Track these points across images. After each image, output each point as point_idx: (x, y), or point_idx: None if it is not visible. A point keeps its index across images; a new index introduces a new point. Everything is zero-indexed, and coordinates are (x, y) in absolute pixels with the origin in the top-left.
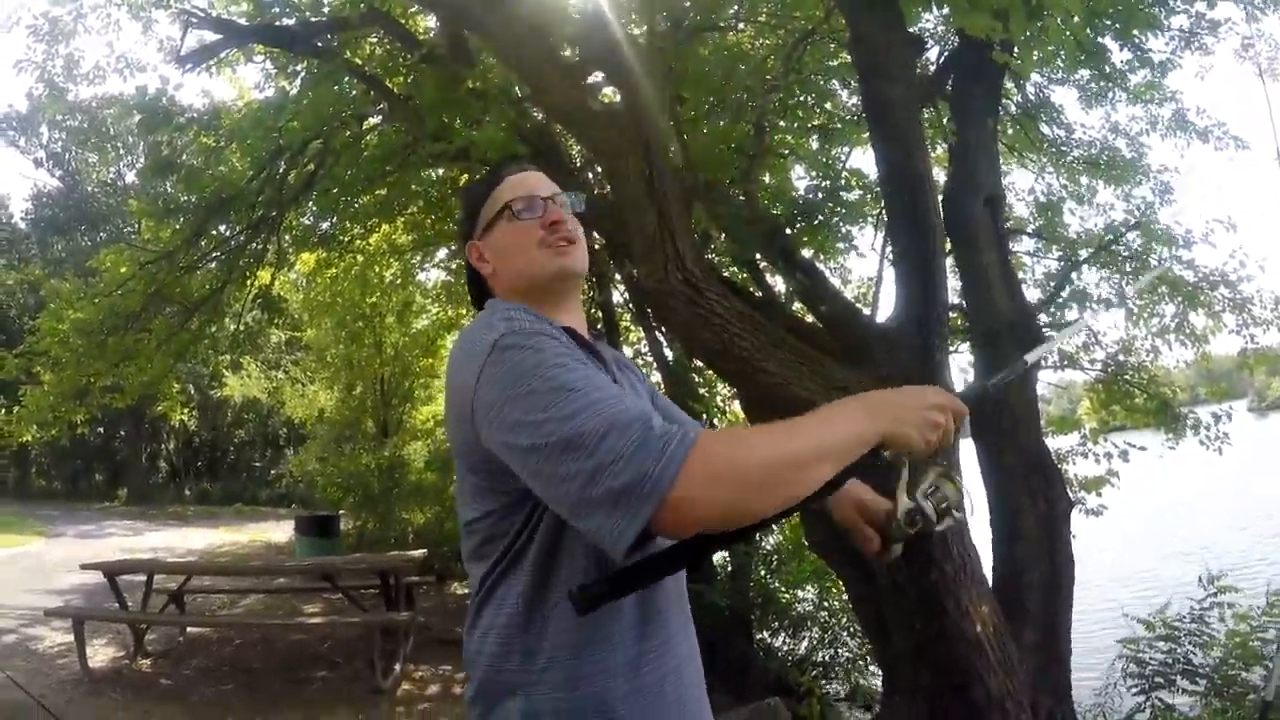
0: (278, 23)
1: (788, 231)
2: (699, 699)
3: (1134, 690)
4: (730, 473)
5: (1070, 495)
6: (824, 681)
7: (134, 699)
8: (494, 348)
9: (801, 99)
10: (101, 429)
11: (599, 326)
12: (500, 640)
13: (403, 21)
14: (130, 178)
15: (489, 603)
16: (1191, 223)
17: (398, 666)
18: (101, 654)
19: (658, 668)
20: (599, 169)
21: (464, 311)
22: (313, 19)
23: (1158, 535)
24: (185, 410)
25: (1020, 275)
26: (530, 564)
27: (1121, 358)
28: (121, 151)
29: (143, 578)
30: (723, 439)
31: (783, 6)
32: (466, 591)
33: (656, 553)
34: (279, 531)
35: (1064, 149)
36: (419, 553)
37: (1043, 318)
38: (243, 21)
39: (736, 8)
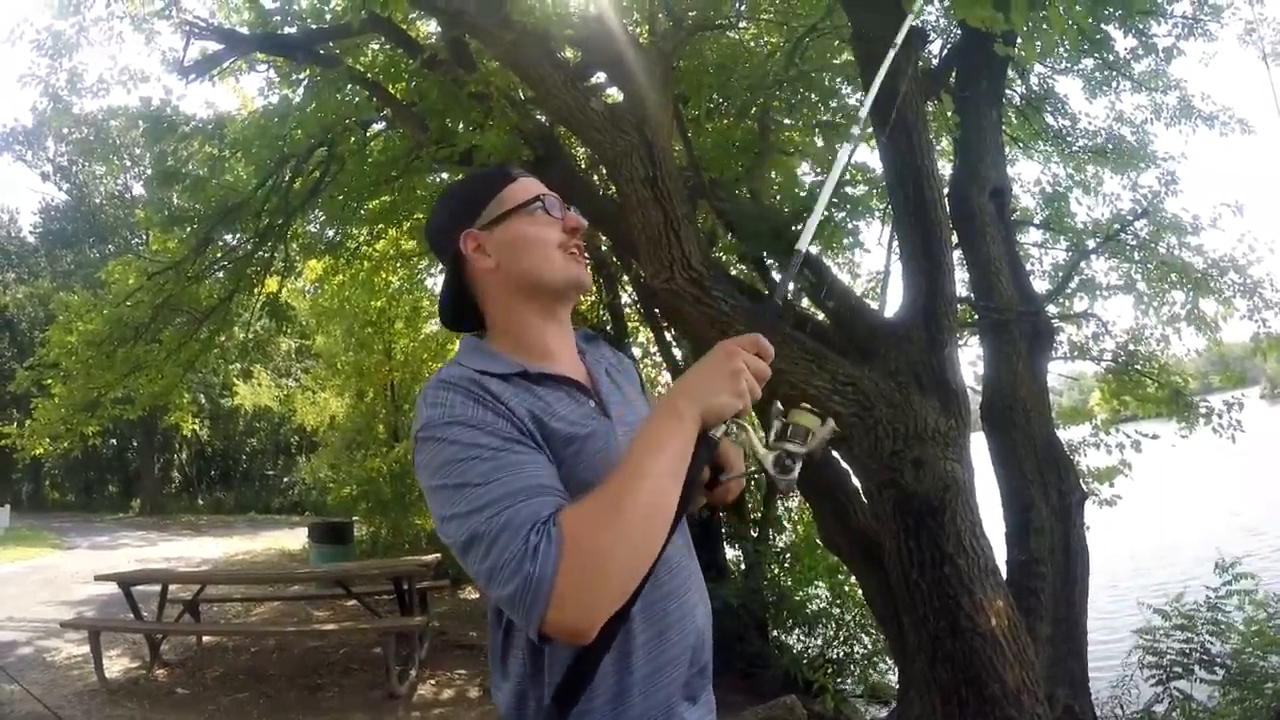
0: (280, 31)
1: (794, 228)
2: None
3: (1151, 681)
4: (601, 567)
5: (1083, 486)
6: (839, 679)
7: (151, 709)
8: (417, 439)
9: (805, 95)
10: (114, 440)
11: (608, 328)
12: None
13: (403, 27)
14: (138, 189)
15: (510, 650)
16: (1199, 209)
17: (413, 672)
18: (117, 664)
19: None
20: (604, 170)
21: None
22: (314, 27)
23: (1172, 524)
24: (196, 420)
25: (1028, 266)
26: None
27: (1132, 347)
28: (128, 163)
29: (157, 588)
30: (580, 527)
31: (786, 4)
32: (479, 595)
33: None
34: (293, 539)
35: (1069, 139)
36: (432, 557)
37: (1051, 308)
38: (244, 31)
39: (739, 5)
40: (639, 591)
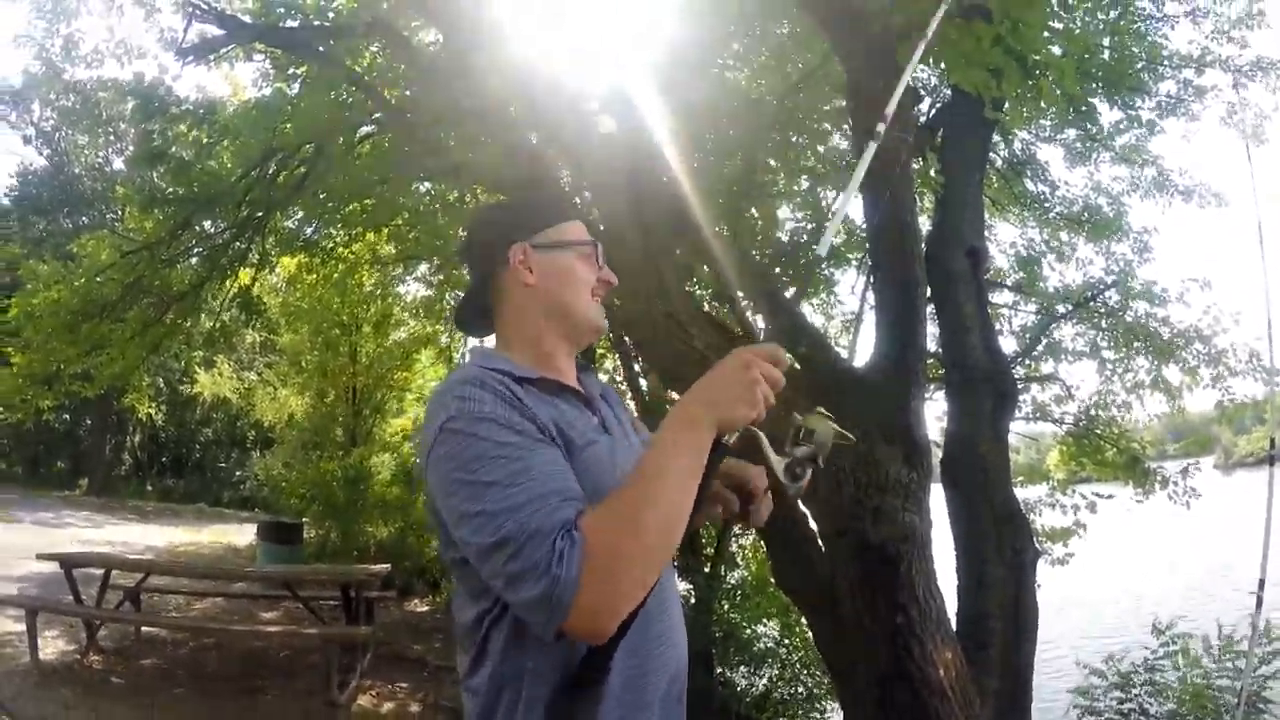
0: (282, 24)
1: (772, 271)
2: None
3: None
4: (621, 570)
5: (1037, 545)
6: (783, 718)
7: (84, 695)
8: (442, 429)
9: (795, 140)
10: (67, 416)
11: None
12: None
13: (405, 34)
14: (118, 164)
15: (485, 652)
16: (1168, 280)
17: (354, 681)
18: (52, 646)
19: None
20: (588, 195)
21: (441, 328)
22: (317, 23)
23: (1119, 586)
24: (153, 404)
25: (997, 326)
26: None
27: (1094, 412)
28: (112, 137)
29: (100, 572)
30: (602, 533)
31: (782, 50)
32: (426, 609)
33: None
34: (240, 535)
35: (1047, 205)
36: (382, 567)
37: (1018, 369)
38: (247, 19)
39: (737, 47)
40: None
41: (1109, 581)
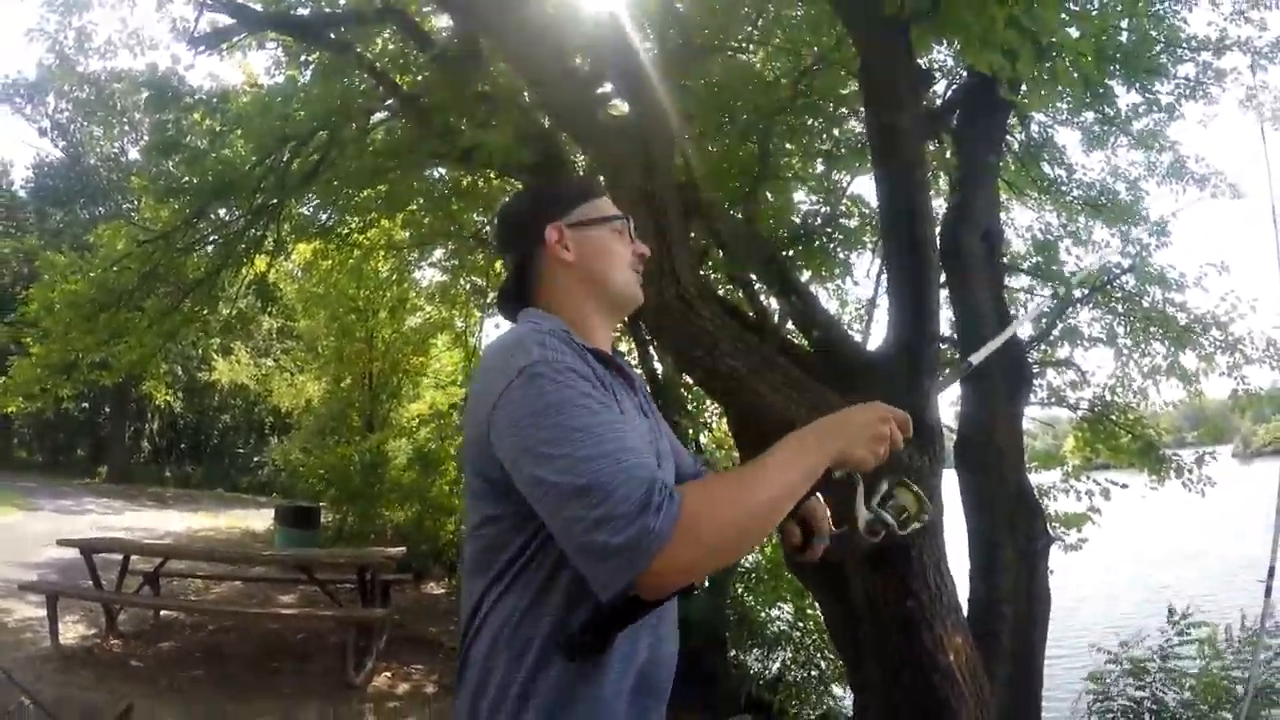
0: (293, 11)
1: (785, 254)
2: None
3: None
4: (711, 539)
5: (1050, 531)
6: (795, 701)
7: (103, 678)
8: (522, 372)
9: (809, 123)
10: (86, 405)
11: None
12: (500, 675)
13: (417, 20)
14: (134, 154)
15: (485, 626)
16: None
17: (370, 663)
18: (73, 630)
19: None
20: (601, 179)
21: (457, 313)
22: (328, 10)
23: (1133, 572)
24: (170, 391)
25: (1013, 311)
26: (530, 585)
27: (1108, 398)
28: (126, 127)
29: (119, 557)
30: (703, 500)
31: (797, 31)
32: (442, 591)
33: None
34: (258, 519)
35: (1064, 189)
36: (398, 550)
37: (1033, 354)
38: (258, 8)
39: (750, 29)
40: None
41: (1123, 569)
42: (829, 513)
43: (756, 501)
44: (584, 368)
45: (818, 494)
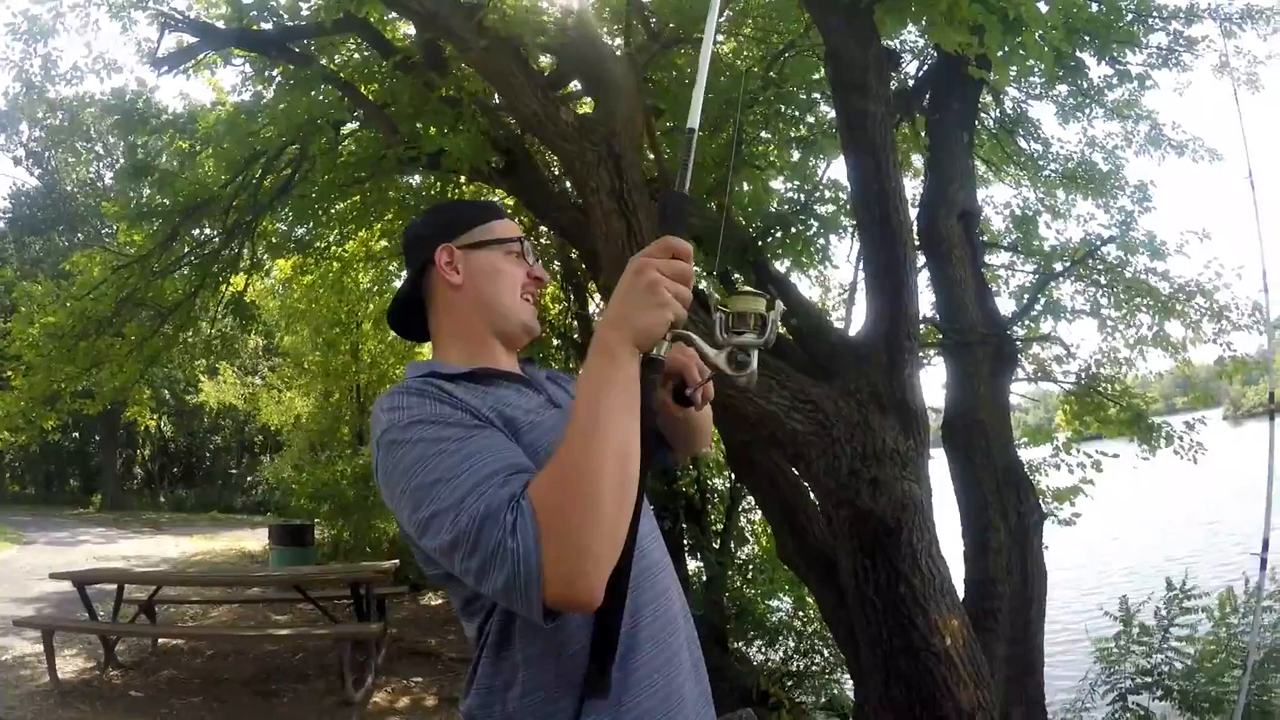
0: (255, 27)
1: (762, 242)
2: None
3: (1109, 699)
4: (576, 523)
5: (1042, 507)
6: (799, 691)
7: (103, 711)
8: (378, 445)
9: (782, 111)
10: (76, 434)
11: (574, 337)
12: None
13: (379, 29)
14: (109, 179)
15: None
16: (1167, 234)
17: (369, 678)
18: (71, 665)
19: None
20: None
21: None
22: (290, 24)
23: (1130, 544)
24: (158, 416)
25: (994, 287)
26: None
27: (1094, 370)
28: (100, 152)
29: (114, 587)
30: (549, 489)
31: (766, 20)
32: (439, 602)
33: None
34: (254, 540)
35: (1041, 163)
36: (391, 563)
37: (1016, 329)
38: (220, 25)
39: (719, 19)
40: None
41: (1119, 540)
42: (696, 358)
43: (597, 460)
44: (434, 410)
45: (679, 344)
